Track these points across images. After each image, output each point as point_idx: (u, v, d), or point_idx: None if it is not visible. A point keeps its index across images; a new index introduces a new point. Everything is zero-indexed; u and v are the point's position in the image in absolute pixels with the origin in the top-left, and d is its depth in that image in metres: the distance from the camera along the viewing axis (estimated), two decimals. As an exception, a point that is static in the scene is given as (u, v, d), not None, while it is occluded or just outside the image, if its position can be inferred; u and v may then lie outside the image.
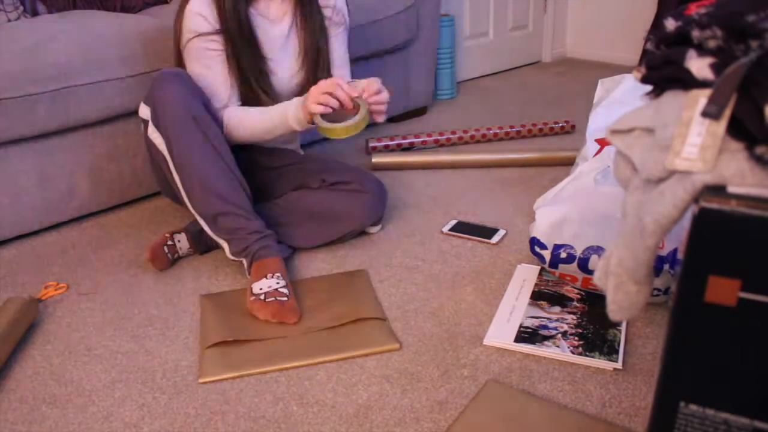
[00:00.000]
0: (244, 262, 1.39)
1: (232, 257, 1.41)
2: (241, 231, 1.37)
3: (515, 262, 1.46)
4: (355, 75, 2.19)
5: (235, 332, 1.22)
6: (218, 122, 1.42)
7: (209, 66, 1.43)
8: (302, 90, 1.53)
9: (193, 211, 1.39)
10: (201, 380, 1.12)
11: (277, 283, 1.30)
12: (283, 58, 1.49)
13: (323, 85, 1.34)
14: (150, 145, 1.40)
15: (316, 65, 1.52)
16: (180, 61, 1.47)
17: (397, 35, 2.22)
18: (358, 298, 1.31)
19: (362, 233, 1.59)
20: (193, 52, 1.42)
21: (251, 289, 1.31)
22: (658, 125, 0.69)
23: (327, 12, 1.53)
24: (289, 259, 1.51)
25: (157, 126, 1.36)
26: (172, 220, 1.73)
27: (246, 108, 1.46)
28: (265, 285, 1.30)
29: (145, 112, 1.39)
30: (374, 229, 1.60)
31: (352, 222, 1.50)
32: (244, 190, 1.39)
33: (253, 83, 1.46)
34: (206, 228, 1.40)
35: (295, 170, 1.59)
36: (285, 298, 1.28)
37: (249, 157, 1.59)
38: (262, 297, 1.28)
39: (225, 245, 1.40)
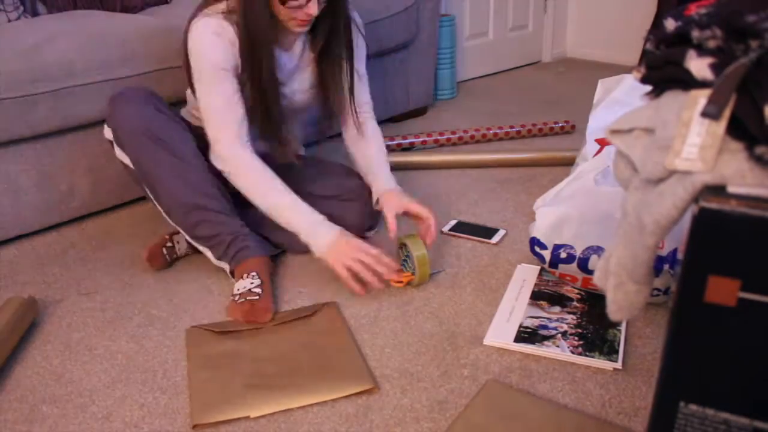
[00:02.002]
0: (226, 268, 1.40)
1: (216, 263, 1.41)
2: (217, 237, 1.37)
3: (515, 262, 1.46)
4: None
5: (226, 405, 1.07)
6: (202, 143, 1.37)
7: (221, 94, 1.31)
8: (311, 106, 1.49)
9: (171, 223, 1.40)
10: (195, 423, 1.03)
11: (251, 282, 1.31)
12: (293, 83, 1.43)
13: (360, 252, 1.28)
14: (121, 163, 1.40)
15: (326, 94, 1.46)
16: (191, 83, 1.38)
17: (397, 35, 2.22)
18: (336, 352, 1.19)
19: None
20: (205, 78, 1.31)
21: (232, 291, 1.32)
22: (658, 125, 0.69)
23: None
24: (290, 260, 1.51)
25: (120, 146, 1.36)
26: (172, 220, 1.73)
27: (267, 176, 1.33)
28: (240, 286, 1.31)
29: (108, 133, 1.39)
30: (369, 234, 1.59)
31: (346, 229, 1.49)
32: (218, 190, 1.38)
33: (263, 106, 1.36)
34: (187, 238, 1.40)
35: (291, 175, 1.55)
36: (256, 297, 1.28)
37: None
38: (236, 299, 1.29)
39: (207, 252, 1.40)
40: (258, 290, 1.29)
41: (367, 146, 1.52)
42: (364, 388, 1.08)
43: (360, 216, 1.51)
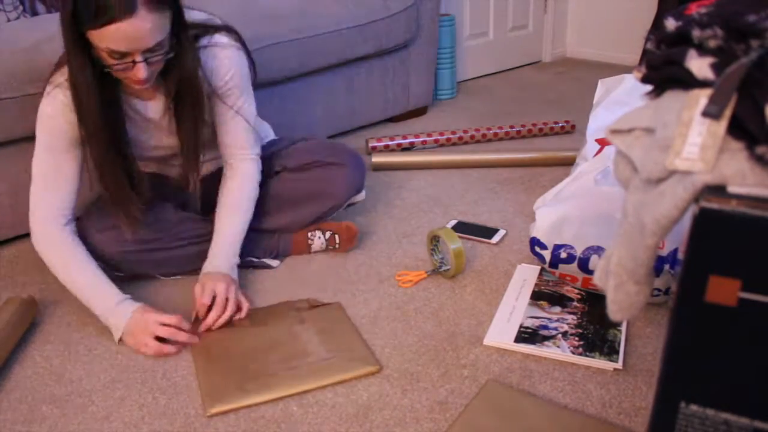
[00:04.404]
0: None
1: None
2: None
3: (515, 262, 1.46)
4: (358, 75, 2.19)
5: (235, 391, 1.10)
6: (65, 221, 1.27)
7: (57, 166, 1.25)
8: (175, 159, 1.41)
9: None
10: (210, 411, 1.06)
11: None
12: (157, 134, 1.35)
13: (157, 323, 1.21)
14: None
15: (193, 144, 1.32)
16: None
17: (397, 35, 2.22)
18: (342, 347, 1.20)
19: (349, 205, 1.55)
20: (42, 143, 1.25)
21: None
22: (658, 125, 0.69)
23: (219, 83, 1.31)
24: (289, 258, 1.51)
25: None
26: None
27: (75, 254, 1.26)
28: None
29: None
30: (359, 198, 1.55)
31: (333, 197, 1.48)
32: (203, 234, 1.41)
33: (116, 160, 1.27)
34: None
35: (272, 158, 1.51)
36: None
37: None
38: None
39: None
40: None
41: (228, 191, 1.37)
42: (370, 370, 1.12)
43: (344, 180, 1.47)
